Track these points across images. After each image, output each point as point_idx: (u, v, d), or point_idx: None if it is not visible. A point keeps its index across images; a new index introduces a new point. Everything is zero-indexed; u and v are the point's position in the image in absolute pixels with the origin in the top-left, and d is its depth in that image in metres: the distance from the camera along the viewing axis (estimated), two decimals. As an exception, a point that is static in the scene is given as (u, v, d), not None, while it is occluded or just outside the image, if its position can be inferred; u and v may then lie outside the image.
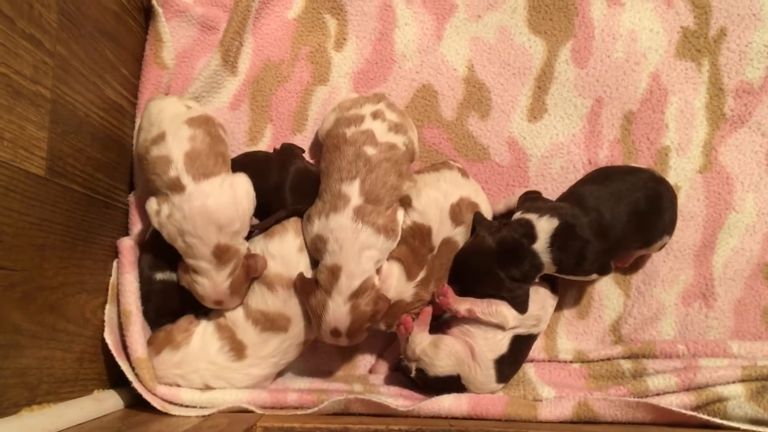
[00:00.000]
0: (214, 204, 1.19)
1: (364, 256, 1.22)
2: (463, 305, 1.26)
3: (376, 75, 1.51)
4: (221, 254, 1.21)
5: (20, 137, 0.95)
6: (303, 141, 1.48)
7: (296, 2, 1.54)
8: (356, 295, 1.22)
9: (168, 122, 1.24)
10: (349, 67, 1.52)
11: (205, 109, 1.37)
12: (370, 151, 1.26)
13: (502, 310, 1.25)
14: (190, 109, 1.30)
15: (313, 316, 1.25)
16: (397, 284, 1.28)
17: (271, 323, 1.25)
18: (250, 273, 1.25)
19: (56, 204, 1.06)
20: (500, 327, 1.26)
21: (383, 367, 1.42)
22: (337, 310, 1.22)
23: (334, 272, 1.21)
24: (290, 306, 1.26)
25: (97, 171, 1.21)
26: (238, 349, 1.25)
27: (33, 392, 1.00)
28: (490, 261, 1.24)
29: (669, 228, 1.31)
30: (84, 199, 1.16)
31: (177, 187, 1.19)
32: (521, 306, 1.25)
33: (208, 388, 1.25)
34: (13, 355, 0.95)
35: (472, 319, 1.28)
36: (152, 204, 1.22)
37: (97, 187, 1.21)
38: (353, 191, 1.23)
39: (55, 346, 1.07)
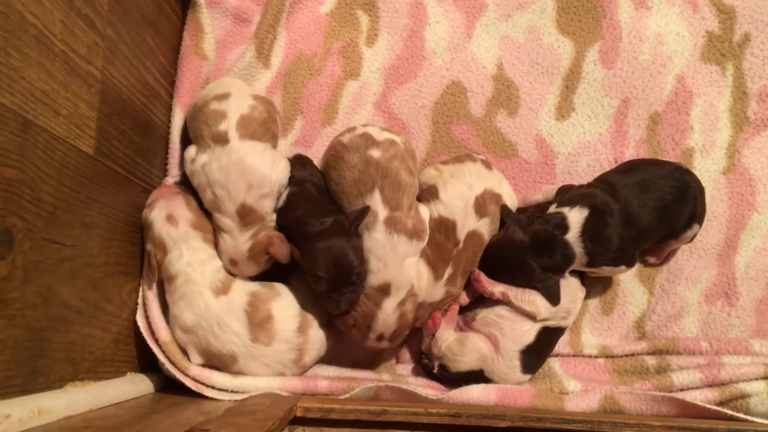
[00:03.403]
0: (251, 162, 1.23)
1: (405, 265, 1.24)
2: (497, 288, 1.29)
3: (407, 71, 1.53)
4: (245, 215, 1.23)
5: (74, 114, 0.97)
6: (332, 134, 1.48)
7: (328, -2, 1.56)
8: (402, 302, 1.25)
9: (236, 89, 1.31)
10: (380, 62, 1.54)
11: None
12: (375, 153, 1.27)
13: (535, 299, 1.27)
14: (257, 90, 1.37)
15: (357, 329, 1.27)
16: (427, 286, 1.29)
17: (260, 322, 1.23)
18: (269, 246, 1.25)
19: (102, 184, 1.07)
20: (531, 316, 1.28)
21: (407, 355, 1.44)
22: (386, 319, 1.25)
23: (384, 289, 1.23)
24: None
25: (137, 155, 1.22)
26: (224, 285, 1.24)
27: (76, 368, 1.01)
28: (522, 252, 1.26)
29: (698, 218, 1.33)
30: (125, 181, 1.17)
31: (222, 139, 1.23)
32: (554, 296, 1.27)
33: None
34: (61, 330, 0.96)
35: (498, 312, 1.30)
36: (191, 151, 1.28)
37: (136, 170, 1.22)
38: (377, 203, 1.24)
39: (96, 325, 1.08)
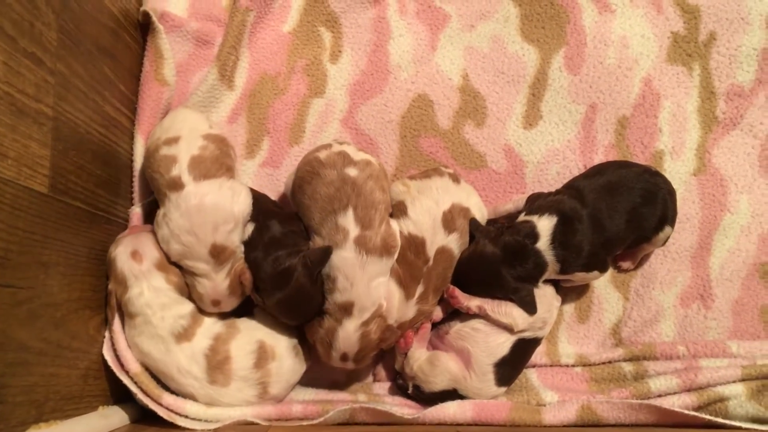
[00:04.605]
0: (210, 202, 1.21)
1: (373, 285, 1.23)
2: (473, 302, 1.28)
3: (372, 86, 1.52)
4: (218, 254, 1.22)
5: (24, 155, 0.96)
6: (300, 153, 1.48)
7: (291, 16, 1.55)
8: (366, 323, 1.24)
9: (187, 131, 1.28)
10: (345, 79, 1.53)
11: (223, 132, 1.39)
12: (352, 172, 1.25)
13: (511, 312, 1.26)
14: (211, 128, 1.33)
15: (321, 345, 1.27)
16: (398, 306, 1.28)
17: (218, 364, 1.22)
18: (242, 275, 1.24)
19: (59, 221, 1.06)
20: (508, 329, 1.27)
21: (384, 373, 1.43)
22: (348, 338, 1.24)
23: (347, 308, 1.23)
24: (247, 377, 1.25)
25: (98, 187, 1.22)
26: (187, 332, 1.23)
27: (40, 410, 1.00)
28: (494, 264, 1.26)
29: (670, 220, 1.33)
30: (86, 215, 1.16)
31: (177, 185, 1.21)
32: (530, 306, 1.26)
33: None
34: (20, 373, 0.95)
35: (473, 325, 1.29)
36: (157, 212, 1.26)
37: (98, 203, 1.21)
38: (349, 222, 1.23)
39: (61, 363, 1.07)
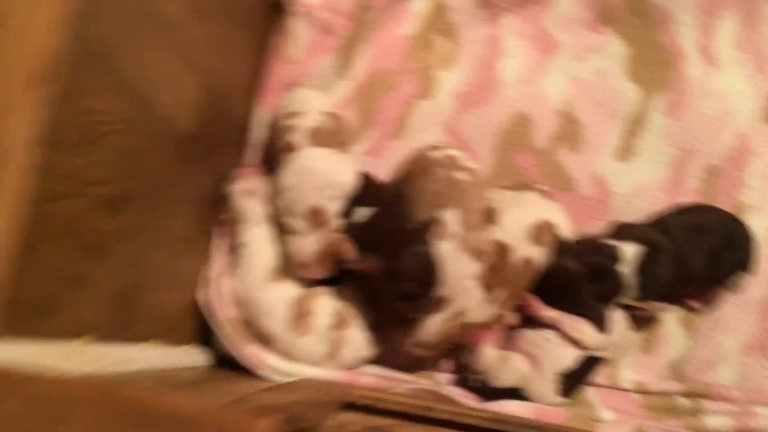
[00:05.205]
0: (319, 166, 1.30)
1: (463, 284, 1.29)
2: (549, 312, 1.34)
3: (478, 98, 1.60)
4: (315, 216, 1.29)
5: (180, 100, 1.06)
6: (401, 147, 1.55)
7: (411, 22, 1.65)
8: (450, 319, 1.30)
9: (307, 107, 1.39)
10: (453, 86, 1.61)
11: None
12: (459, 175, 1.33)
13: (584, 328, 1.32)
14: (330, 108, 1.45)
15: (400, 334, 1.33)
16: (477, 307, 1.32)
17: (300, 315, 1.29)
18: (339, 245, 1.28)
19: (193, 166, 1.15)
20: (578, 344, 1.32)
21: (447, 365, 1.48)
22: (430, 328, 1.30)
23: (439, 303, 1.28)
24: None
25: (222, 146, 1.32)
26: (280, 275, 1.32)
27: (155, 329, 1.09)
28: (575, 280, 1.32)
29: (746, 267, 1.38)
30: (212, 165, 1.26)
31: (292, 147, 1.31)
32: (602, 325, 1.31)
33: None
34: (146, 290, 1.04)
35: (545, 335, 1.35)
36: None
37: (222, 159, 1.32)
38: (450, 218, 1.29)
39: (173, 294, 1.16)
